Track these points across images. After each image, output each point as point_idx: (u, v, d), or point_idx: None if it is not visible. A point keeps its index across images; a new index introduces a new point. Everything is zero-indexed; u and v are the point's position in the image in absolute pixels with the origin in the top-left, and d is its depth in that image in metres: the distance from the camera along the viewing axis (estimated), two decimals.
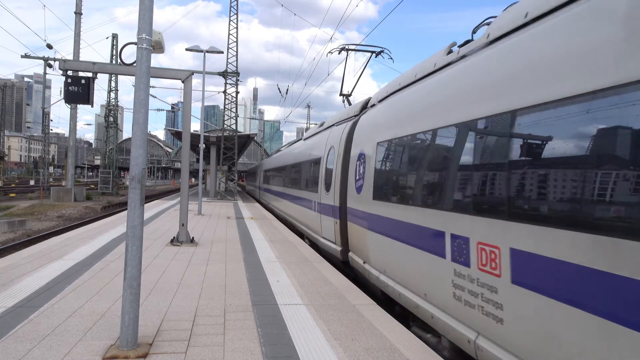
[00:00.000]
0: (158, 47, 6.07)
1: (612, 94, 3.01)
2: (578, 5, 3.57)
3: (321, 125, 14.37)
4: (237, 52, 31.51)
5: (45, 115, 45.26)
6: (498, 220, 4.01)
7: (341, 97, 13.92)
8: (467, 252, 4.45)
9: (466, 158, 4.62)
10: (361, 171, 8.08)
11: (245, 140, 36.04)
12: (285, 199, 18.08)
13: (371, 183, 7.43)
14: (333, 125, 11.95)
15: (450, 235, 4.78)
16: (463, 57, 5.37)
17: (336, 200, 9.68)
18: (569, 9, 3.68)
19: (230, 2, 31.44)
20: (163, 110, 56.90)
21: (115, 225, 13.57)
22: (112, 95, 43.57)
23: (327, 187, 10.50)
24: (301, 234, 14.08)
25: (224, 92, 31.95)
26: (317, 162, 11.99)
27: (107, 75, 43.89)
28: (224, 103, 32.28)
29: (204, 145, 20.57)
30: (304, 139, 17.08)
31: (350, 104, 13.37)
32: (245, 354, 4.16)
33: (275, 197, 21.75)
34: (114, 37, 42.65)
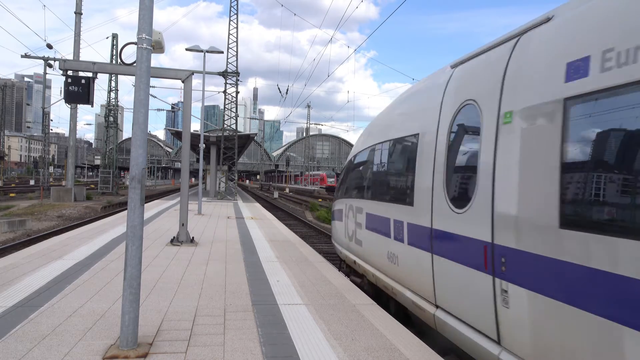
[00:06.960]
0: (158, 47, 6.08)
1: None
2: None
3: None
4: (237, 52, 31.51)
5: (45, 115, 45.33)
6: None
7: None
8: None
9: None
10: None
11: (245, 140, 36.05)
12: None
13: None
14: None
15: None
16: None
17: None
18: None
19: (231, 3, 31.45)
20: (163, 110, 56.75)
21: (115, 225, 13.57)
22: (112, 95, 43.59)
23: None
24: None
25: (224, 92, 31.95)
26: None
27: (107, 75, 43.94)
28: (224, 103, 32.29)
29: (204, 145, 20.57)
30: None
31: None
32: (245, 354, 4.16)
33: None
34: (114, 37, 42.67)
